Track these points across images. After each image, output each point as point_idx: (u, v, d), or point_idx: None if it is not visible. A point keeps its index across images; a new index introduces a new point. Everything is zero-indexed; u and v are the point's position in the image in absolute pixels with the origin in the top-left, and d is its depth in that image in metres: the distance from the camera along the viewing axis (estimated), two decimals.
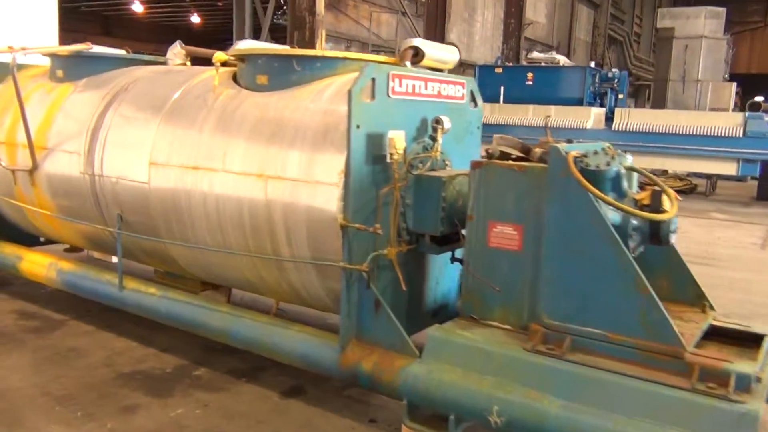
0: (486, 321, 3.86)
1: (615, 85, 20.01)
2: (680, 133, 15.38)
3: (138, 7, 36.74)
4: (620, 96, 20.45)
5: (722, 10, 29.05)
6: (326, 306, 4.32)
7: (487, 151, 3.87)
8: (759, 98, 19.26)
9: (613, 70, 21.81)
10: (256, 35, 17.48)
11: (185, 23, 40.47)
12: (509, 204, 3.72)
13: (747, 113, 15.39)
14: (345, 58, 4.31)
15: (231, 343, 4.44)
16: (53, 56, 5.71)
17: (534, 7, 29.23)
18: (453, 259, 4.48)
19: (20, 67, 6.27)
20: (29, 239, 6.42)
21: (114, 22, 38.22)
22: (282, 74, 4.33)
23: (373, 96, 3.85)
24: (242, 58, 4.53)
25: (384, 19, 20.49)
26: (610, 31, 38.23)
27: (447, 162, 4.40)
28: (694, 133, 15.26)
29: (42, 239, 6.58)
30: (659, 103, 31.16)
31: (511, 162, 3.78)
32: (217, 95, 4.54)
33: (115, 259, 7.50)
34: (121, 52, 6.19)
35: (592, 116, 16.85)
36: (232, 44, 5.69)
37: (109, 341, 5.16)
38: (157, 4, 37.04)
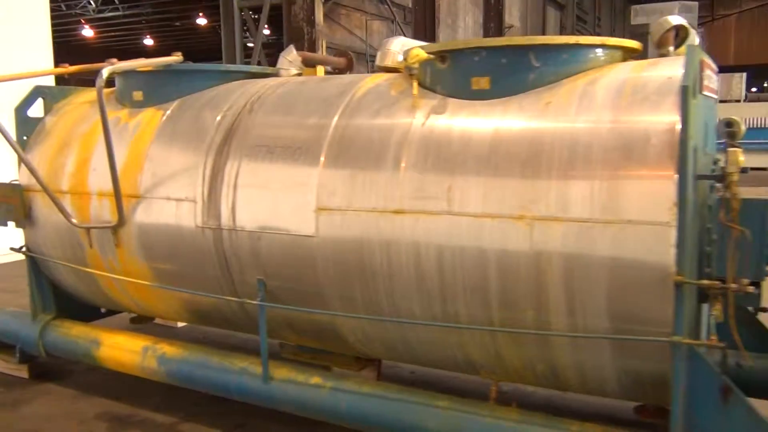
0: None
1: None
2: None
3: (88, 32, 34.83)
4: None
5: (695, 4, 29.13)
6: (606, 390, 3.11)
7: None
8: None
9: None
10: (246, 56, 16.10)
11: (137, 46, 38.60)
12: None
13: None
14: (602, 45, 3.14)
15: None
16: (126, 75, 4.36)
17: (509, 11, 28.53)
18: (759, 310, 3.35)
19: (71, 91, 4.92)
20: (87, 311, 5.02)
21: (62, 49, 36.01)
22: (512, 74, 3.14)
23: (695, 92, 2.70)
24: (443, 55, 3.31)
25: (375, 28, 19.35)
26: (576, 32, 38.00)
27: None
28: None
29: (103, 310, 5.19)
30: None
31: None
32: (413, 110, 3.31)
33: (180, 325, 6.15)
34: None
35: None
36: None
37: None
38: (108, 28, 35.16)
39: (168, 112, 4.15)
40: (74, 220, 4.19)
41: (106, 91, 4.76)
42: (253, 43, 16.32)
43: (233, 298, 3.75)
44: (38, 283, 4.79)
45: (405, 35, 20.82)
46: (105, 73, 3.76)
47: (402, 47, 3.94)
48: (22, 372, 4.92)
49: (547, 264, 2.83)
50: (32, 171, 4.14)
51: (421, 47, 3.40)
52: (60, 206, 4.16)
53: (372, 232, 3.23)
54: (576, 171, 2.80)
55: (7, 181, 4.66)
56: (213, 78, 4.27)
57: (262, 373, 3.73)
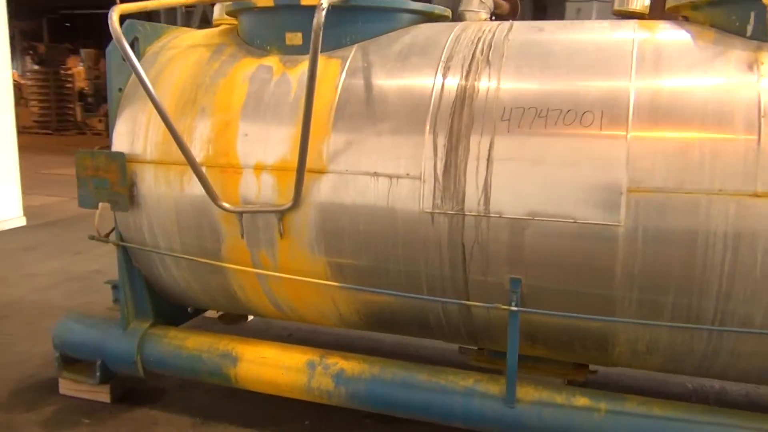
0: None
1: None
2: None
3: None
4: None
5: None
6: None
7: None
8: None
9: None
10: None
11: None
12: None
13: None
14: None
15: None
16: (275, 10, 3.33)
17: None
18: None
19: (164, 30, 3.82)
20: (175, 313, 3.98)
21: None
22: None
23: None
24: None
25: None
26: None
27: None
28: None
29: (190, 310, 4.14)
30: None
31: None
32: (753, 65, 2.62)
33: (251, 318, 5.11)
34: None
35: None
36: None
37: None
38: None
39: (348, 62, 3.20)
40: (226, 204, 3.16)
41: (214, 30, 3.74)
42: None
43: (484, 304, 2.93)
44: (132, 282, 3.69)
45: None
46: (325, 2, 2.75)
47: None
48: (101, 395, 3.82)
49: None
50: (174, 134, 3.03)
51: None
52: (206, 184, 3.12)
53: (714, 221, 2.54)
54: None
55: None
56: (395, 19, 3.35)
57: (505, 393, 2.97)
